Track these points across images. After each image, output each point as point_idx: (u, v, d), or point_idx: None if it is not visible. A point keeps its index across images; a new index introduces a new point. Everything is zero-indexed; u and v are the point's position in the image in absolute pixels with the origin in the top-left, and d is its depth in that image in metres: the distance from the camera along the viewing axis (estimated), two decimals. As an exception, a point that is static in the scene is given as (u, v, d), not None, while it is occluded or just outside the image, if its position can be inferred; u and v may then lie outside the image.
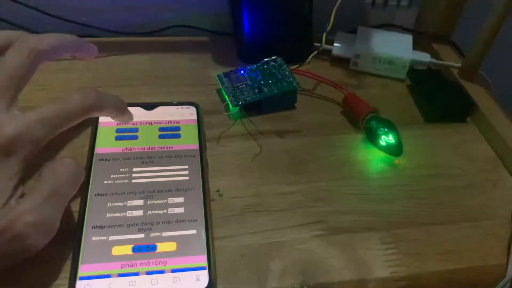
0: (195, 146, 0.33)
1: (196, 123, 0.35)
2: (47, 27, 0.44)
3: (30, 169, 0.25)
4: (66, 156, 0.33)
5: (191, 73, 0.43)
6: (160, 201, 0.29)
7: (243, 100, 0.37)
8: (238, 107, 0.37)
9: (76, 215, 0.28)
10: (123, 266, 0.25)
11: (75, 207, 0.28)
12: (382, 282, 0.28)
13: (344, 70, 0.46)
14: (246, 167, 0.34)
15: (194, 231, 0.28)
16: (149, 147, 0.32)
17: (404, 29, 0.50)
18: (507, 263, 0.30)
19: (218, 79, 0.40)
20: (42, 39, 0.27)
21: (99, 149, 0.31)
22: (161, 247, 0.27)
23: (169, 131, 0.34)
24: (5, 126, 0.23)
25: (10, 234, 0.22)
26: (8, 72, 0.25)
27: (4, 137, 0.23)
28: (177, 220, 0.28)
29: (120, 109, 0.29)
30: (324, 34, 0.42)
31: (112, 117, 0.30)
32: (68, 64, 0.41)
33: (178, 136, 0.33)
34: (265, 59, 0.41)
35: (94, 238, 0.26)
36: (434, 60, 0.46)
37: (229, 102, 0.37)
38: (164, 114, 0.35)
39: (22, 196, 0.24)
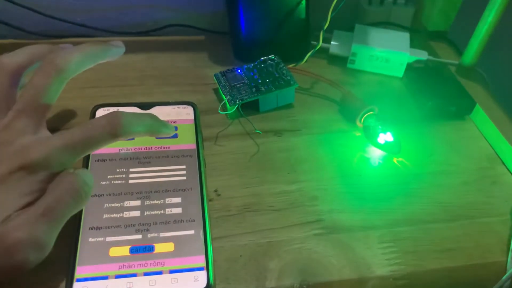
0: (193, 145, 0.33)
1: (193, 122, 0.35)
2: (41, 27, 0.44)
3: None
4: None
5: (187, 73, 0.42)
6: (157, 202, 0.29)
7: (240, 99, 0.37)
8: (236, 106, 0.37)
9: (72, 216, 0.28)
10: (120, 267, 0.25)
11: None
12: (381, 281, 0.28)
13: (341, 68, 0.45)
14: (244, 166, 0.34)
15: (192, 232, 0.27)
16: (146, 147, 0.32)
17: (401, 27, 0.50)
18: (507, 260, 0.29)
19: (215, 78, 0.39)
20: (69, 58, 0.27)
21: (96, 149, 0.31)
22: (159, 247, 0.26)
23: (166, 131, 0.33)
24: (31, 149, 0.24)
25: None
26: (35, 94, 0.25)
27: (29, 159, 0.23)
28: (174, 220, 0.28)
29: (153, 131, 0.28)
30: (321, 32, 0.42)
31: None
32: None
33: (175, 136, 0.33)
34: (262, 58, 0.41)
35: (91, 240, 0.26)
36: (431, 58, 0.45)
37: (226, 101, 0.37)
38: (161, 113, 0.35)
39: None
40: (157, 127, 0.28)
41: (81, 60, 0.28)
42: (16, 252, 0.22)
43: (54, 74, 0.26)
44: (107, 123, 0.25)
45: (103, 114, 0.33)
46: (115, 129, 0.25)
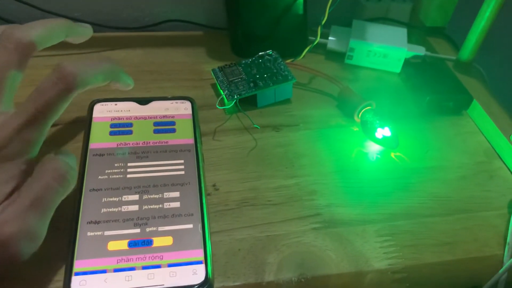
0: (191, 140, 0.33)
1: (191, 117, 0.34)
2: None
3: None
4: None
5: (185, 68, 0.42)
6: (155, 196, 0.29)
7: (238, 94, 0.37)
8: (234, 101, 0.37)
9: (70, 210, 0.28)
10: (119, 261, 0.25)
11: (70, 202, 0.28)
12: (379, 274, 0.28)
13: (339, 64, 0.45)
14: (242, 161, 0.34)
15: (190, 226, 0.27)
16: (144, 142, 0.32)
17: (399, 23, 0.50)
18: (503, 254, 0.30)
19: (213, 74, 0.39)
20: (28, 30, 0.25)
21: (94, 144, 0.31)
22: (157, 241, 0.26)
23: (164, 125, 0.33)
24: None
25: None
26: None
27: None
28: (173, 214, 0.28)
29: (113, 79, 0.26)
30: (319, 28, 0.42)
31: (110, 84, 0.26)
32: (59, 60, 0.40)
33: (173, 130, 0.33)
34: (260, 53, 0.40)
35: (89, 234, 0.26)
36: (429, 53, 0.45)
37: (224, 96, 0.37)
38: (159, 108, 0.35)
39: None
40: (116, 74, 0.26)
41: (42, 32, 0.25)
42: (9, 246, 0.21)
43: (13, 48, 0.24)
44: (58, 78, 0.24)
45: (100, 109, 0.34)
46: (69, 82, 0.24)
